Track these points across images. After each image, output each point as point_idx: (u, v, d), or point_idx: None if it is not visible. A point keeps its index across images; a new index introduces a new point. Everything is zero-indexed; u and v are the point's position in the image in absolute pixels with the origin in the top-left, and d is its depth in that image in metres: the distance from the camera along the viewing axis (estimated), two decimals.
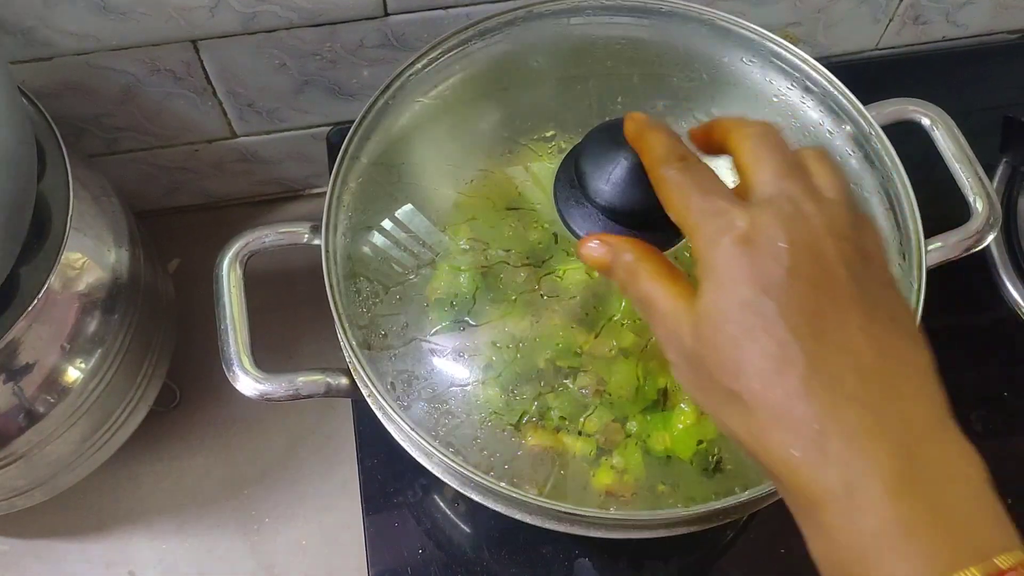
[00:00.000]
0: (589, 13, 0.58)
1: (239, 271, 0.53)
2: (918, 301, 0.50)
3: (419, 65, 0.57)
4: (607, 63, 0.56)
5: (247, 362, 0.51)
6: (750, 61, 0.56)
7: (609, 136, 0.41)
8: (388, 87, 0.56)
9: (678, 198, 0.36)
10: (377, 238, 0.54)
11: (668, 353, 0.37)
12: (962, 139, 0.57)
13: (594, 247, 0.40)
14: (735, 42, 0.57)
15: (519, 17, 0.57)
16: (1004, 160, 0.73)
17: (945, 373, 0.69)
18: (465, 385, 0.58)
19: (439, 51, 0.57)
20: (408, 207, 0.55)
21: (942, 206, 0.55)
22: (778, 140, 0.37)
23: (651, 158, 0.38)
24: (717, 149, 0.39)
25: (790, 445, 0.32)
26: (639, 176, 0.39)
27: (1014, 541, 0.32)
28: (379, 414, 0.51)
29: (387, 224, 0.54)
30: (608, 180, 0.40)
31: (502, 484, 0.48)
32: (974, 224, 0.55)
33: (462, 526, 0.62)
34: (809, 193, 0.35)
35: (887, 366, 0.33)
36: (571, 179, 0.43)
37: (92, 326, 0.58)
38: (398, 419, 0.49)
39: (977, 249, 0.56)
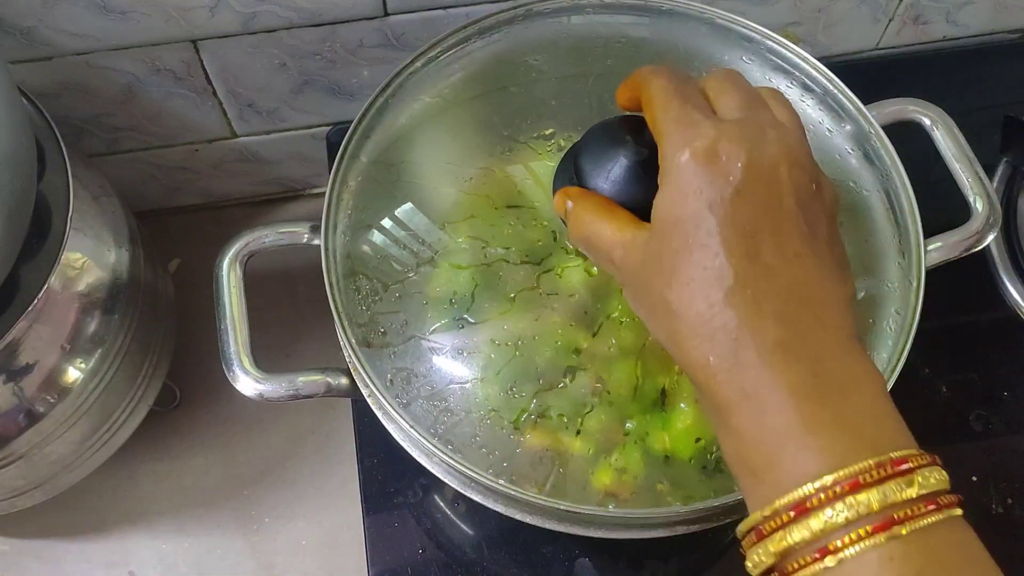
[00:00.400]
0: (589, 12, 0.58)
1: (239, 271, 0.53)
2: (917, 301, 0.50)
3: (419, 64, 0.57)
4: (607, 61, 0.56)
5: (247, 362, 0.51)
6: (749, 60, 0.56)
7: (608, 134, 0.42)
8: (388, 86, 0.56)
9: (659, 101, 0.38)
10: (377, 236, 0.54)
11: (618, 276, 0.40)
12: (962, 139, 0.57)
13: (557, 200, 0.43)
14: (735, 41, 0.57)
15: (519, 16, 0.57)
16: (1004, 160, 0.73)
17: (945, 373, 0.69)
18: (464, 383, 0.58)
19: (439, 50, 0.57)
20: (408, 206, 0.55)
21: (942, 206, 0.55)
22: (742, 78, 0.40)
23: (643, 71, 0.40)
24: None
25: (708, 352, 0.35)
26: (638, 174, 0.40)
27: (909, 442, 0.34)
28: (378, 413, 0.51)
29: (387, 222, 0.54)
30: (607, 178, 0.41)
31: (501, 482, 0.48)
32: (974, 224, 0.55)
33: (462, 526, 0.62)
34: (772, 122, 0.37)
35: (810, 291, 0.36)
36: (570, 177, 0.43)
37: (92, 326, 0.58)
38: (397, 417, 0.49)
39: (977, 249, 0.56)
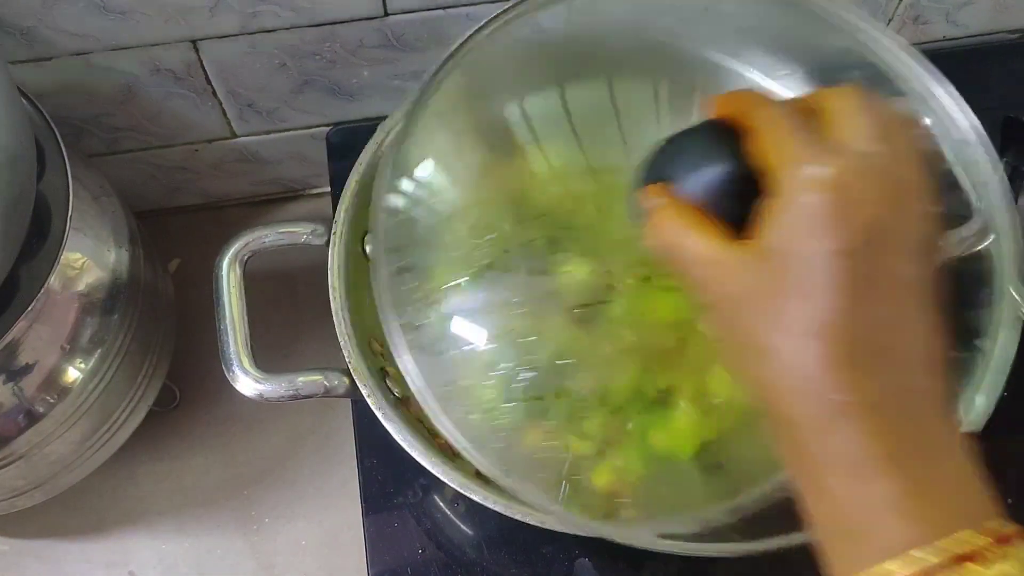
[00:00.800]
0: None
1: (239, 271, 0.53)
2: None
3: (440, 75, 0.56)
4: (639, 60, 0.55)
5: (247, 362, 0.51)
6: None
7: (711, 136, 0.37)
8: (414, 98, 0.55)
9: (774, 132, 0.34)
10: (382, 244, 0.54)
11: (702, 296, 0.36)
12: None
13: (640, 197, 0.39)
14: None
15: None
16: (1004, 160, 0.73)
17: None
18: (465, 389, 0.58)
19: (455, 57, 0.56)
20: (415, 211, 0.54)
21: (943, 205, 0.55)
22: (873, 99, 0.35)
23: (748, 94, 0.37)
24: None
25: (803, 407, 0.33)
26: (741, 188, 0.35)
27: (1000, 508, 0.34)
28: (379, 415, 0.51)
29: (393, 227, 0.54)
30: (703, 185, 0.36)
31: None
32: (975, 223, 0.55)
33: (462, 526, 0.62)
34: (906, 157, 0.34)
35: (915, 351, 0.34)
36: (658, 176, 0.38)
37: (92, 326, 0.58)
38: (397, 421, 0.49)
39: (978, 248, 0.55)
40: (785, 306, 0.33)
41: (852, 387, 0.33)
